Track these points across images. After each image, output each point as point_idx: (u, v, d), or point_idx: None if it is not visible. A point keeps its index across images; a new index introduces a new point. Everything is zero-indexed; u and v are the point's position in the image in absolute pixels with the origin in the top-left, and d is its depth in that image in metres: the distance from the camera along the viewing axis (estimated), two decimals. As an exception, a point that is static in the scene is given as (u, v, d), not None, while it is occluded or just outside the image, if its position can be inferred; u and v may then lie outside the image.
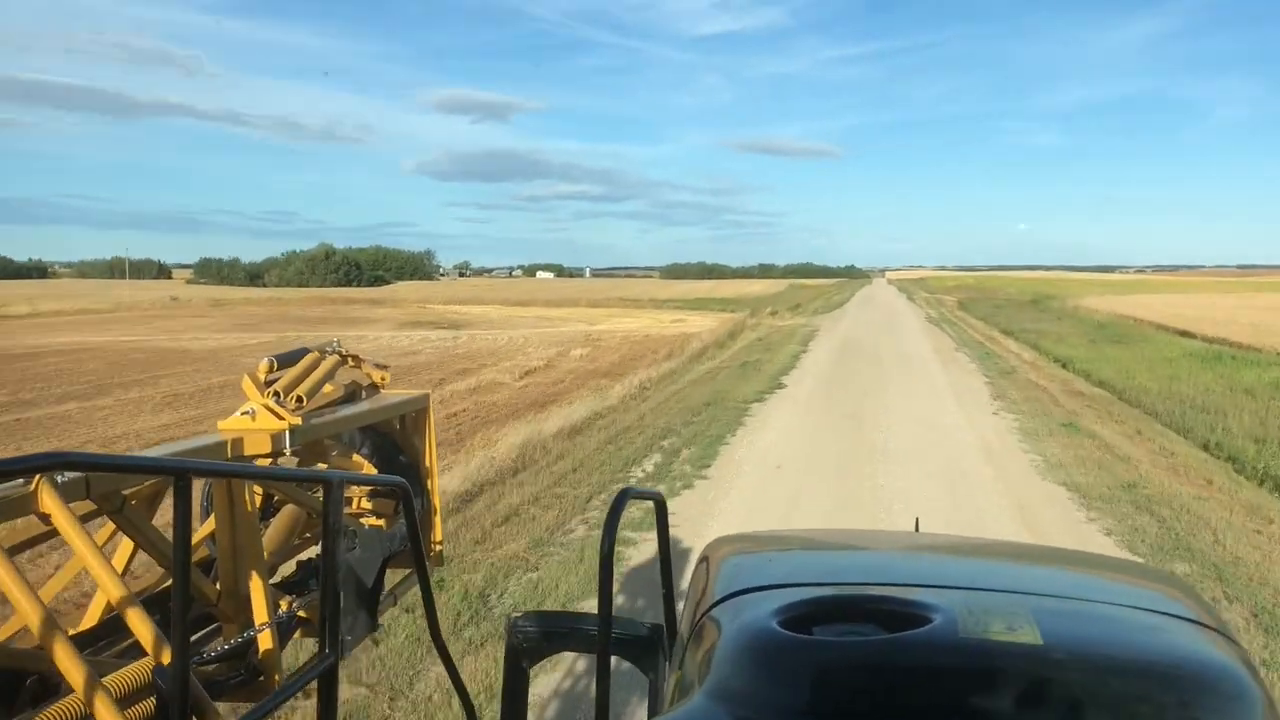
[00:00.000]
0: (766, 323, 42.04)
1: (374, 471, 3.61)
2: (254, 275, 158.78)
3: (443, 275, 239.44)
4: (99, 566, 1.80)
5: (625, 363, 26.84)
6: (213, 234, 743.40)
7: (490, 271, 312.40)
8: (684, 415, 14.99)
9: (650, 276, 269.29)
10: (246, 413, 2.88)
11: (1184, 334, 32.12)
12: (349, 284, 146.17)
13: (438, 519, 4.07)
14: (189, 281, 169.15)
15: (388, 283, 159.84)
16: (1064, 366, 23.93)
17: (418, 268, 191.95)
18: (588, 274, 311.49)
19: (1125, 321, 39.17)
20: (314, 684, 2.14)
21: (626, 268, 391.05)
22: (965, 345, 29.98)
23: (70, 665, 1.60)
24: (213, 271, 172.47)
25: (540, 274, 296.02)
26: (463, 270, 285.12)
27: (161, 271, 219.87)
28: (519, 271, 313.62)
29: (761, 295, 76.31)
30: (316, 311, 63.19)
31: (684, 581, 2.26)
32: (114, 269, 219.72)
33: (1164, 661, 1.36)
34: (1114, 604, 1.62)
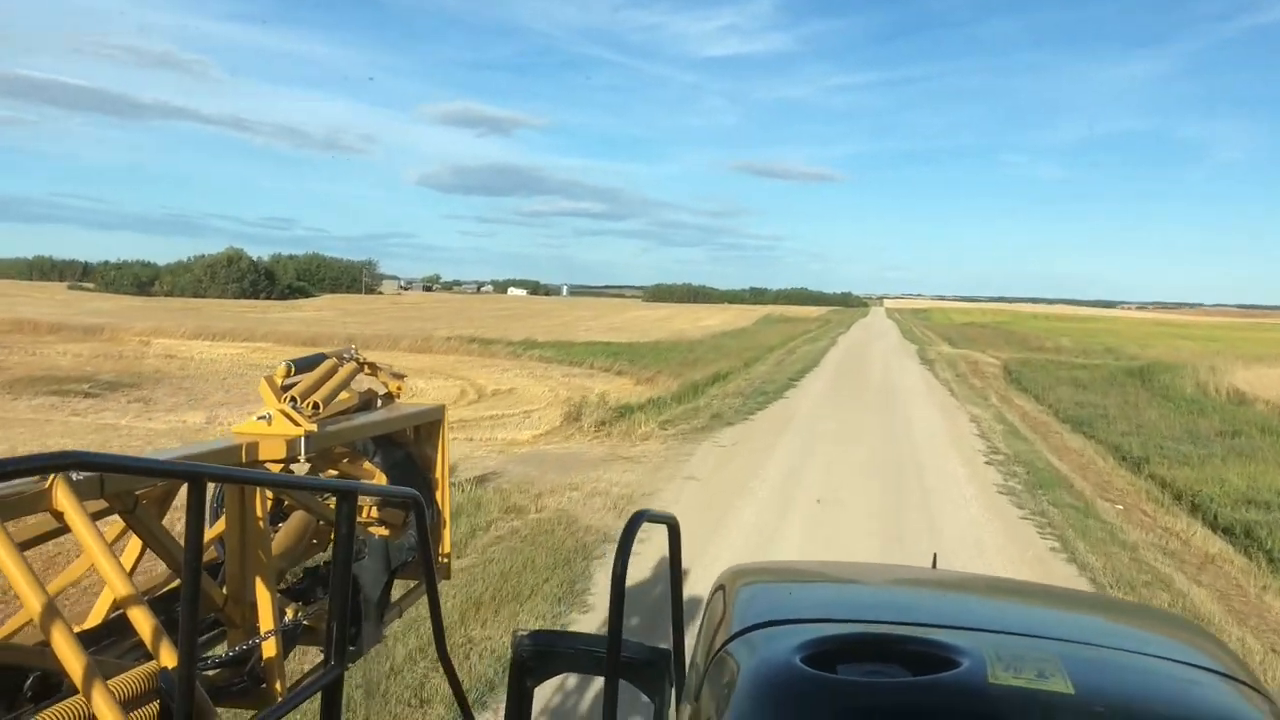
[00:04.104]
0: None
1: (385, 480, 3.52)
2: (145, 281, 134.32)
3: (404, 288, 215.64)
4: (109, 566, 1.75)
5: None
6: (208, 238, 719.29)
7: (459, 285, 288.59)
8: None
9: (635, 296, 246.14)
10: (262, 417, 2.79)
11: None
12: (257, 295, 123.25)
13: (447, 531, 3.96)
14: (70, 287, 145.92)
15: (309, 295, 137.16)
16: None
17: (354, 279, 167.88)
18: (565, 291, 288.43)
19: None
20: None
21: (613, 286, 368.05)
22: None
23: (75, 664, 1.52)
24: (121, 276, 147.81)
25: (512, 290, 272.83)
26: (429, 284, 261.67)
27: (86, 273, 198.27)
28: (489, 287, 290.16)
29: (705, 337, 52.08)
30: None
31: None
32: (33, 268, 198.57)
33: (1197, 718, 1.31)
34: (1143, 654, 1.53)
